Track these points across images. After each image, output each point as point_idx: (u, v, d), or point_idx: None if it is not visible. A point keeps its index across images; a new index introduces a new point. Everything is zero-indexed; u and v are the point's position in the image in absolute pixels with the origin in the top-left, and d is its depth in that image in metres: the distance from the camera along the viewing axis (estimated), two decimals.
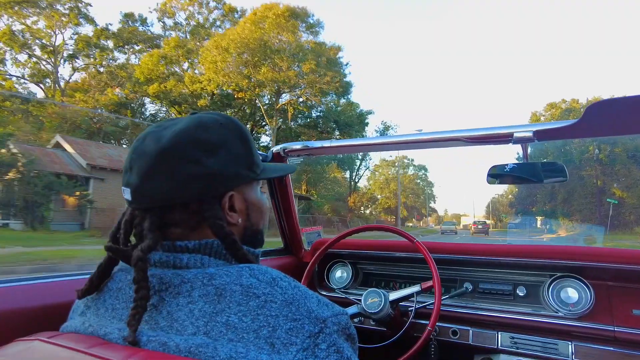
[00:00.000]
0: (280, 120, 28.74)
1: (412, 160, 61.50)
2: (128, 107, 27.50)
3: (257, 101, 27.19)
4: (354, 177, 36.68)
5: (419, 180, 63.18)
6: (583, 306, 1.13)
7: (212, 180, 0.53)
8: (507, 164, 1.08)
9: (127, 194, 0.54)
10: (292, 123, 28.58)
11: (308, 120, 29.56)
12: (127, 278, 0.53)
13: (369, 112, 32.49)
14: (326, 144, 1.28)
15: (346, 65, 28.98)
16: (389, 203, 57.45)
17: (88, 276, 0.56)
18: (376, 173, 57.84)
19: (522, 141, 1.04)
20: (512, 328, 1.22)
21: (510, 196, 52.60)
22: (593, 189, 31.66)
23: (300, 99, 27.45)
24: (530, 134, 1.02)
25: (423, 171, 63.53)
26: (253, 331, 0.43)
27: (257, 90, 25.76)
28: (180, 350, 0.43)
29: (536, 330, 1.18)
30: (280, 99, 27.34)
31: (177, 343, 0.43)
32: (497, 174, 1.12)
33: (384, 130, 35.68)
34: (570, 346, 1.12)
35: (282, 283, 0.48)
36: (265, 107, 27.84)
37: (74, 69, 27.45)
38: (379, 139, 1.19)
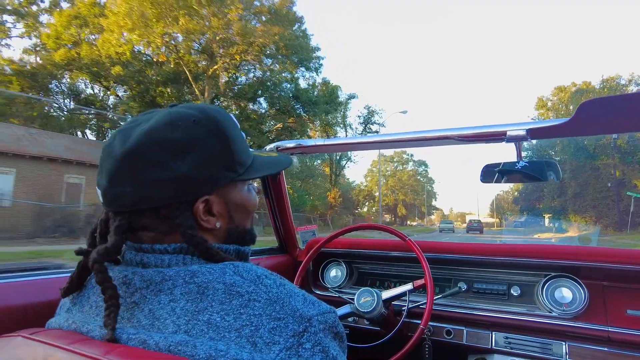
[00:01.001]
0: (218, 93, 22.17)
1: (412, 155, 59.17)
2: (36, 78, 20.89)
3: (183, 66, 20.81)
4: (334, 171, 33.21)
5: (419, 177, 61.01)
6: (577, 306, 1.12)
7: (181, 185, 0.50)
8: (499, 163, 1.07)
9: (99, 195, 0.53)
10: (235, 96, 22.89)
11: (257, 92, 23.24)
12: (110, 275, 0.52)
13: (352, 97, 30.61)
14: (319, 142, 1.27)
15: (301, 22, 23.54)
16: (386, 200, 55.66)
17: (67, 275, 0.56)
18: (374, 169, 55.96)
19: (516, 140, 1.03)
20: (506, 328, 1.21)
21: (516, 193, 50.27)
22: (610, 180, 27.47)
23: (246, 68, 21.89)
24: (523, 132, 1.01)
25: (423, 167, 61.19)
26: (235, 330, 0.42)
27: (181, 52, 20.09)
28: (159, 348, 0.42)
29: (530, 330, 1.17)
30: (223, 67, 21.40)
31: (157, 341, 0.43)
32: (489, 173, 1.10)
33: (369, 115, 32.89)
34: (564, 346, 1.11)
35: (267, 281, 0.47)
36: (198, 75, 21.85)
37: None
38: (371, 138, 1.18)
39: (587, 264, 1.15)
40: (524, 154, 1.08)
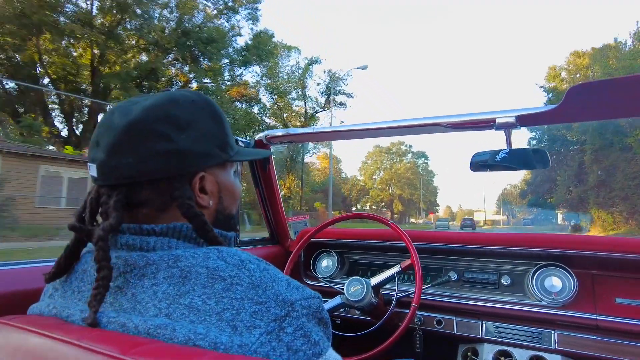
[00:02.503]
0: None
1: (411, 146, 53.53)
2: None
3: None
4: (291, 154, 28.36)
5: (419, 170, 54.98)
6: (566, 295, 1.12)
7: (182, 158, 0.51)
8: (488, 151, 1.05)
9: (92, 171, 0.52)
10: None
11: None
12: (93, 259, 0.51)
13: (315, 61, 26.93)
14: (308, 130, 1.25)
15: None
16: (381, 196, 51.76)
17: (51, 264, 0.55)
18: (368, 162, 52.58)
19: (505, 127, 1.01)
20: (497, 317, 1.21)
21: (524, 185, 40.99)
22: None
23: None
24: (512, 120, 0.99)
25: (423, 159, 55.54)
26: (216, 314, 0.41)
27: None
28: (138, 331, 0.42)
29: (520, 319, 1.17)
30: None
31: (136, 324, 0.42)
32: (479, 162, 1.09)
33: (331, 80, 27.53)
34: (553, 335, 1.11)
35: (250, 266, 0.46)
36: None
37: None
38: (359, 126, 1.16)
39: (576, 253, 1.14)
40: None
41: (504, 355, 1.16)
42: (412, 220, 56.65)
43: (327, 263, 1.56)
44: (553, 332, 1.11)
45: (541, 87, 28.38)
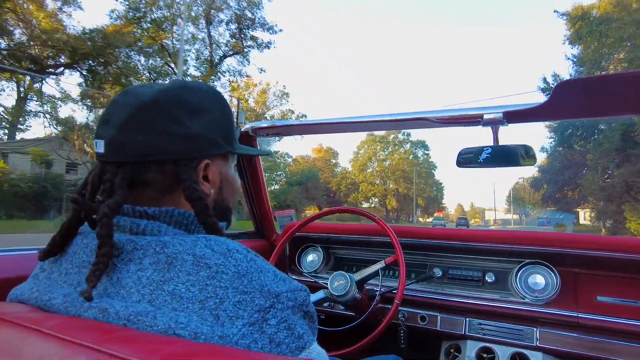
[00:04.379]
0: None
1: (409, 135, 45.12)
2: None
3: None
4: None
5: (421, 162, 46.51)
6: (549, 292, 1.13)
7: (192, 142, 0.52)
8: (474, 148, 1.05)
9: (99, 147, 0.51)
10: None
11: None
12: (84, 242, 0.51)
13: None
14: (294, 122, 1.24)
15: None
16: (373, 190, 44.77)
17: (36, 251, 0.53)
18: (360, 152, 45.61)
19: (492, 123, 1.01)
20: (480, 314, 1.21)
21: (538, 174, 29.53)
22: None
23: None
24: (500, 116, 0.98)
25: (423, 150, 46.39)
26: (199, 302, 0.41)
27: None
28: (119, 317, 0.41)
29: (503, 316, 1.17)
30: None
31: (117, 310, 0.42)
32: (466, 158, 1.08)
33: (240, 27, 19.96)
34: (535, 332, 1.11)
35: (237, 255, 0.45)
36: None
37: None
38: (347, 119, 1.14)
39: (560, 251, 1.14)
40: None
41: (486, 352, 1.17)
42: (422, 219, 49.73)
43: (312, 258, 1.55)
44: (535, 329, 1.12)
45: (562, 14, 21.46)
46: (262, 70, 27.37)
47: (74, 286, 0.48)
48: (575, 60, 21.40)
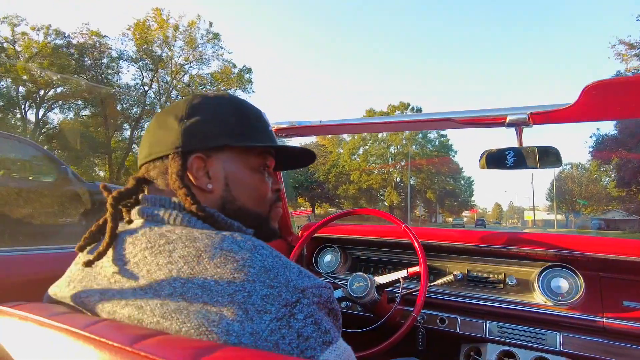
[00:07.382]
0: None
1: (420, 109, 35.09)
2: None
3: None
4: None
5: (431, 147, 36.27)
6: (573, 296, 1.11)
7: (183, 136, 0.56)
8: (499, 149, 1.04)
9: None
10: None
11: None
12: (122, 238, 0.54)
13: None
14: (315, 123, 1.24)
15: None
16: (369, 181, 34.47)
17: (70, 250, 0.55)
18: (355, 136, 34.06)
19: (516, 125, 1.00)
20: (501, 317, 1.19)
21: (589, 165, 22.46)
22: None
23: None
24: (524, 117, 0.97)
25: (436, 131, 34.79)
26: (228, 295, 0.42)
27: None
28: (154, 314, 0.43)
29: (525, 320, 1.16)
30: None
31: (152, 307, 0.43)
32: (490, 160, 1.07)
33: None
34: (558, 337, 1.10)
35: (263, 251, 0.47)
36: None
37: None
38: (369, 120, 1.15)
39: (584, 254, 1.13)
40: None
41: (507, 355, 1.15)
42: (448, 219, 43.63)
43: (329, 258, 1.55)
44: (558, 333, 1.10)
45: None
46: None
47: (110, 282, 0.49)
48: None
